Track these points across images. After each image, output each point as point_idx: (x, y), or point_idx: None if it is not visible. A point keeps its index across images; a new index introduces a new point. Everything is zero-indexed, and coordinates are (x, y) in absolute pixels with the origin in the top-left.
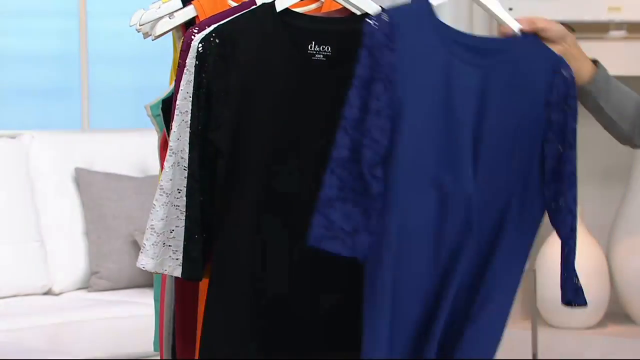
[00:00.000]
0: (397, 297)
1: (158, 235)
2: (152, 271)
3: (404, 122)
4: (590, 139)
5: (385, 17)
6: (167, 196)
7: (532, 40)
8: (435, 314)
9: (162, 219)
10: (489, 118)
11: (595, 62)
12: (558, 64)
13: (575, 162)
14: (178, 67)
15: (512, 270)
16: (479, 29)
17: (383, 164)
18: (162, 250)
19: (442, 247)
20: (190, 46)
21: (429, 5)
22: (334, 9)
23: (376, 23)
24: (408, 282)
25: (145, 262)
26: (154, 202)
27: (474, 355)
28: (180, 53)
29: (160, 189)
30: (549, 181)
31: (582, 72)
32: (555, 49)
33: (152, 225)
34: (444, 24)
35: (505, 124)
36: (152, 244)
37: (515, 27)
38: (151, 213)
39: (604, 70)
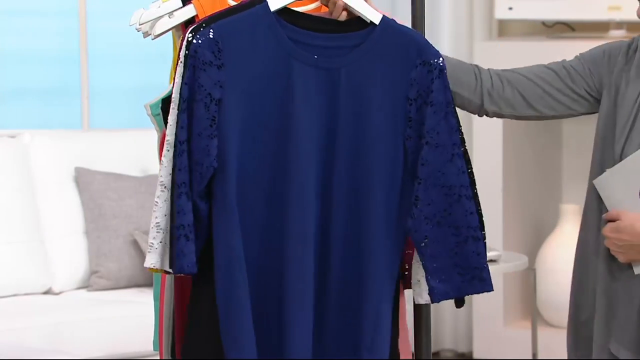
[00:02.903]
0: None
1: (165, 233)
2: (160, 269)
3: (232, 139)
4: (589, 138)
5: (209, 32)
6: (169, 191)
7: (392, 30)
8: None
9: (166, 215)
10: (342, 122)
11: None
12: (421, 54)
13: (436, 162)
14: (177, 64)
15: (385, 284)
16: (479, 27)
17: (212, 182)
18: (167, 247)
19: (287, 262)
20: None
21: (267, 9)
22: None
23: (199, 40)
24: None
25: (155, 260)
26: (156, 199)
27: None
28: (179, 51)
29: (161, 184)
30: (407, 181)
31: None
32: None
33: (157, 222)
34: (289, 25)
35: (362, 125)
36: (160, 242)
37: (376, 17)
38: (154, 210)
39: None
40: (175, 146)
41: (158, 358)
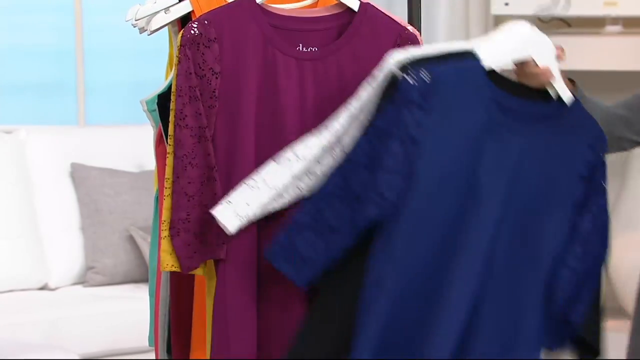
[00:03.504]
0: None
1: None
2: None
3: (418, 184)
4: None
5: (426, 76)
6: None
7: (578, 109)
8: None
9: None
10: (520, 189)
11: (572, 81)
12: (598, 139)
13: (590, 228)
14: (178, 62)
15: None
16: (476, 23)
17: (386, 218)
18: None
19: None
20: (189, 41)
21: (481, 66)
22: (329, 4)
23: (415, 81)
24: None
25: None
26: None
27: None
28: (179, 48)
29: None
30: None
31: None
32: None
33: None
34: (493, 86)
35: (537, 195)
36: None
37: (567, 96)
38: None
39: (580, 89)
40: (349, 162)
41: (154, 354)
